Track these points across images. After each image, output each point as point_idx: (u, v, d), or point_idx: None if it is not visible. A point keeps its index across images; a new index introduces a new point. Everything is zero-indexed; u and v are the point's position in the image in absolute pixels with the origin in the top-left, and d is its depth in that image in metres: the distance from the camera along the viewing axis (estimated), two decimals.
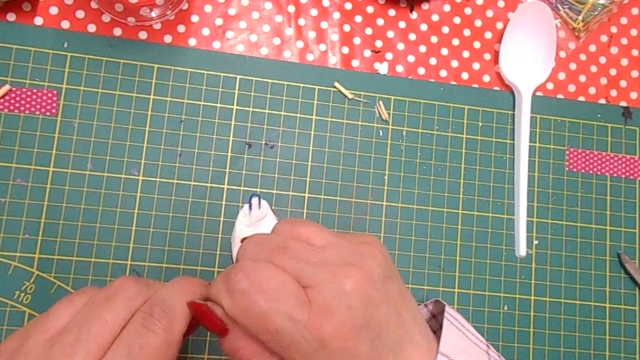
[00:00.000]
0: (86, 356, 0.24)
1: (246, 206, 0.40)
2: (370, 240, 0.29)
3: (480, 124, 0.44)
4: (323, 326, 0.24)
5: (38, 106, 0.39)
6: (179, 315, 0.26)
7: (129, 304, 0.26)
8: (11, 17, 0.40)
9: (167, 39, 0.41)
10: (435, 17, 0.45)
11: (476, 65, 0.45)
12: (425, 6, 0.45)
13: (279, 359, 0.26)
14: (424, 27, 0.45)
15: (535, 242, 0.43)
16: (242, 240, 0.29)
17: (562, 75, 0.46)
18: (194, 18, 0.42)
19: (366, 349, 0.25)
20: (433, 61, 0.44)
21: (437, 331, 0.30)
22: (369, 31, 0.44)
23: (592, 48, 0.46)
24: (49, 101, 0.39)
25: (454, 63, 0.45)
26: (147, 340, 0.25)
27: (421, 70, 0.44)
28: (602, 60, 0.46)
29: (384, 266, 0.28)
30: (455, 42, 0.45)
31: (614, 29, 0.47)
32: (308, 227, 0.29)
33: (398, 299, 0.28)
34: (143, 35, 0.41)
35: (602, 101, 0.46)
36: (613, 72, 0.46)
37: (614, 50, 0.47)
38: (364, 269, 0.26)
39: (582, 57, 0.46)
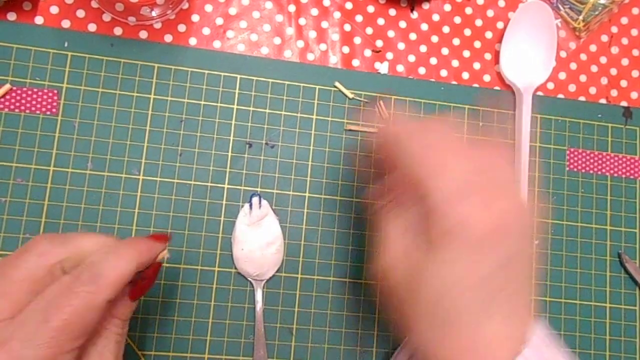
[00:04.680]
0: (7, 313, 0.25)
1: (247, 206, 0.40)
2: (499, 171, 0.30)
3: (481, 124, 0.44)
4: (478, 211, 0.26)
5: (38, 105, 0.39)
6: (108, 280, 0.26)
7: (40, 259, 0.27)
8: (12, 16, 0.40)
9: (168, 38, 0.41)
10: (435, 17, 0.45)
11: (477, 65, 0.45)
12: (425, 6, 0.45)
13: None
14: (424, 26, 0.45)
15: (536, 242, 0.43)
16: None
17: (562, 75, 0.46)
18: (195, 17, 0.42)
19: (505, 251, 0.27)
20: (433, 61, 0.44)
21: None
22: (369, 31, 0.44)
23: (593, 48, 0.46)
24: (50, 100, 0.39)
25: (455, 63, 0.45)
26: (67, 300, 0.25)
27: (422, 70, 0.44)
28: (603, 60, 0.46)
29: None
30: (456, 41, 0.45)
31: (614, 29, 0.47)
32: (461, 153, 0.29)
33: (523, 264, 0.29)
34: (143, 34, 0.41)
35: (603, 101, 0.46)
36: (614, 72, 0.46)
37: (614, 50, 0.47)
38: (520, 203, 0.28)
39: (583, 57, 0.46)
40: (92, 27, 0.40)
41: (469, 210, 0.26)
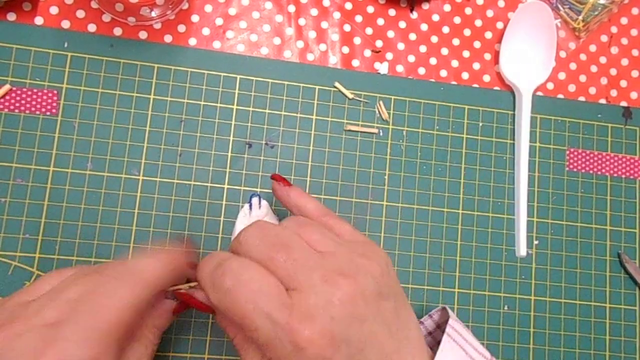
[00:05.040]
0: (55, 315, 0.25)
1: (246, 206, 0.40)
2: (374, 253, 0.29)
3: (481, 124, 0.44)
4: (301, 331, 0.24)
5: (38, 106, 0.39)
6: (146, 282, 0.28)
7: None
8: (11, 16, 0.40)
9: (168, 38, 0.41)
10: (435, 17, 0.45)
11: (476, 65, 0.45)
12: (425, 6, 0.45)
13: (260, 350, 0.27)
14: (424, 27, 0.45)
15: (536, 242, 0.43)
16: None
17: (562, 75, 0.46)
18: (194, 18, 0.42)
19: None
20: (433, 61, 0.44)
21: (439, 343, 0.30)
22: (369, 31, 0.44)
23: (593, 48, 0.46)
24: (49, 101, 0.39)
25: (454, 63, 0.45)
26: (112, 302, 0.26)
27: (421, 70, 0.44)
28: (603, 60, 0.46)
29: (380, 283, 0.27)
30: (456, 42, 0.45)
31: (614, 29, 0.47)
32: (315, 230, 0.29)
33: (391, 317, 0.27)
34: (143, 35, 0.41)
35: (603, 101, 0.46)
36: (613, 72, 0.46)
37: (614, 50, 0.47)
38: (356, 282, 0.26)
39: (583, 57, 0.46)
40: (91, 28, 0.40)
41: (301, 335, 0.25)
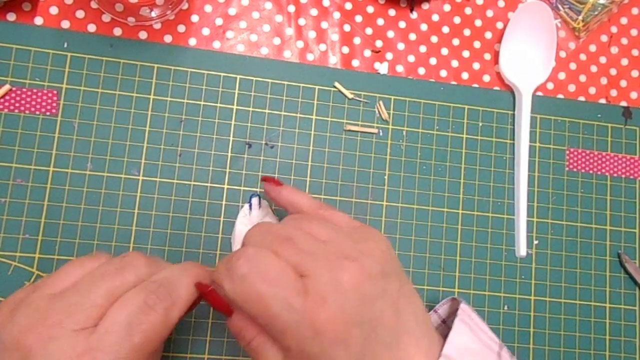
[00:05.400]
0: (84, 319, 0.25)
1: (246, 206, 0.40)
2: (373, 237, 0.30)
3: (481, 124, 0.44)
4: (317, 314, 0.25)
5: (38, 106, 0.39)
6: (182, 299, 0.28)
7: (137, 281, 0.28)
8: (11, 16, 0.40)
9: (167, 38, 0.41)
10: (435, 17, 0.45)
11: (476, 65, 0.45)
12: (425, 6, 0.45)
13: (278, 342, 0.26)
14: (424, 27, 0.45)
15: (535, 242, 0.43)
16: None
17: (562, 75, 0.46)
18: (194, 18, 0.42)
19: (359, 341, 0.26)
20: (433, 61, 0.44)
21: (447, 337, 0.30)
22: (369, 31, 0.44)
23: (592, 48, 0.46)
24: (49, 101, 0.39)
25: (454, 63, 0.45)
26: (147, 317, 0.26)
27: (421, 70, 0.44)
28: (602, 60, 0.46)
29: (383, 263, 0.28)
30: (456, 42, 0.45)
31: (614, 29, 0.47)
32: (314, 222, 0.29)
33: (397, 296, 0.28)
34: (143, 35, 0.41)
35: (602, 101, 0.46)
36: (613, 72, 0.46)
37: (614, 50, 0.47)
38: (361, 264, 0.27)
39: (582, 57, 0.46)
40: (91, 28, 0.40)
41: (319, 319, 0.25)
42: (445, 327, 0.35)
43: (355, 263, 0.27)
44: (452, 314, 0.33)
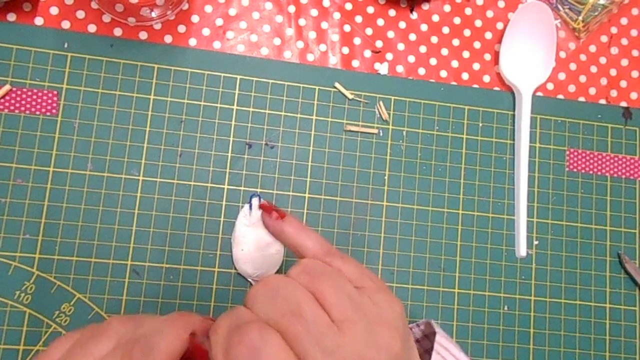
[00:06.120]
0: None
1: (246, 206, 0.40)
2: (392, 314, 0.26)
3: (481, 124, 0.44)
4: None
5: (38, 106, 0.39)
6: (163, 355, 0.24)
7: (118, 344, 0.25)
8: (11, 17, 0.40)
9: (168, 39, 0.41)
10: (435, 18, 0.45)
11: (476, 66, 0.45)
12: (425, 6, 0.45)
13: None
14: (424, 27, 0.45)
15: (536, 242, 0.43)
16: (251, 282, 0.26)
17: (562, 76, 0.46)
18: (195, 18, 0.42)
19: None
20: (433, 61, 0.44)
21: (427, 351, 0.30)
22: (369, 31, 0.44)
23: (592, 48, 0.46)
24: (50, 101, 0.39)
25: (454, 63, 0.45)
26: None
27: (421, 71, 0.44)
28: (602, 60, 0.46)
29: (401, 354, 0.25)
30: (456, 42, 0.45)
31: (614, 30, 0.47)
32: (327, 284, 0.26)
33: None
34: (143, 35, 0.41)
35: (602, 101, 0.46)
36: (613, 72, 0.46)
37: (614, 50, 0.47)
38: None
39: (582, 57, 0.46)
40: (92, 28, 0.40)
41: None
42: (428, 342, 0.34)
43: None
44: (432, 332, 0.32)
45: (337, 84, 0.42)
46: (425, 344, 0.34)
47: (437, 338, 0.30)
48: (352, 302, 0.25)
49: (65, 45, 0.40)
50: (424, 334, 0.35)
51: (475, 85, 0.45)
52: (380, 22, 0.44)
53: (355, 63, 0.43)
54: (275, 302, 0.24)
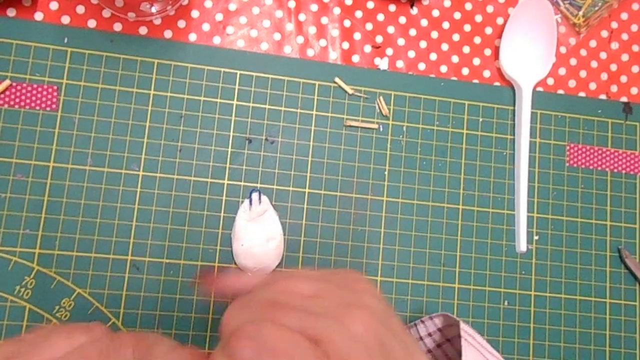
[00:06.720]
0: None
1: (246, 201, 0.40)
2: (355, 277, 0.26)
3: (481, 120, 0.44)
4: None
5: (38, 101, 0.39)
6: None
7: None
8: (11, 12, 0.40)
9: (168, 34, 0.41)
10: (435, 13, 0.45)
11: (476, 61, 0.45)
12: (425, 1, 0.45)
13: None
14: (424, 22, 0.45)
15: (536, 237, 0.43)
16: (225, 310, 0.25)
17: (562, 71, 0.46)
18: (194, 13, 0.42)
19: None
20: (433, 56, 0.44)
21: (431, 350, 0.30)
22: (369, 26, 0.44)
23: (593, 43, 0.46)
24: (49, 96, 0.39)
25: (455, 58, 0.45)
26: None
27: (421, 66, 0.44)
28: (603, 55, 0.46)
29: (380, 298, 0.25)
30: (456, 37, 0.45)
31: (614, 25, 0.47)
32: (290, 279, 0.25)
33: (402, 333, 0.26)
34: (143, 30, 0.41)
35: (603, 97, 0.46)
36: (613, 67, 0.46)
37: (614, 45, 0.47)
38: (366, 306, 0.24)
39: (583, 52, 0.46)
40: (91, 23, 0.40)
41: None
42: (440, 335, 0.34)
43: (363, 310, 0.23)
44: (446, 327, 0.32)
45: (337, 79, 0.42)
46: (441, 336, 0.34)
47: (462, 325, 0.31)
48: (317, 280, 0.25)
49: (65, 41, 0.40)
50: (437, 327, 0.35)
51: (475, 81, 0.45)
52: (381, 17, 0.44)
53: (356, 58, 0.43)
54: (249, 308, 0.24)
